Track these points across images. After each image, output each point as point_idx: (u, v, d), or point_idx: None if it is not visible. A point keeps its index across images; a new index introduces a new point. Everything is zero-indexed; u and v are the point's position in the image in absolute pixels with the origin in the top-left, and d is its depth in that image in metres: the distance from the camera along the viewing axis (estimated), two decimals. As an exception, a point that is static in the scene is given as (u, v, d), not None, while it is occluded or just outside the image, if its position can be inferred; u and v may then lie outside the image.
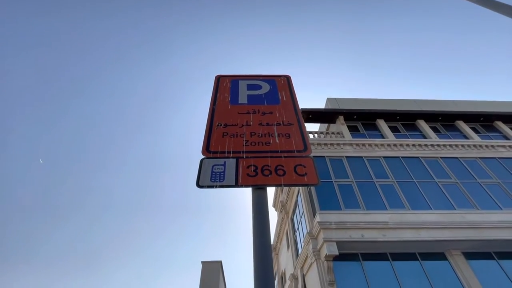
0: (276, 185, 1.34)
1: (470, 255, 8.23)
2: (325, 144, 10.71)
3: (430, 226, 8.07)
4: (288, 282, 12.03)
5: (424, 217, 8.35)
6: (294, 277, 11.12)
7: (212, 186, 1.31)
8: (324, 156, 10.33)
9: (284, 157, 1.47)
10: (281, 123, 1.73)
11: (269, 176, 1.36)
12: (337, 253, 7.46)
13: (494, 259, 8.26)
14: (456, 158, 10.59)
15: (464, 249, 8.22)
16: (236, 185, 1.31)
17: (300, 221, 10.90)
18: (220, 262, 4.85)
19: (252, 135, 1.61)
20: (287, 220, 13.77)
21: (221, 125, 1.70)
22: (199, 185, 1.31)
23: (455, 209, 8.76)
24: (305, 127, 1.82)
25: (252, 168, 1.40)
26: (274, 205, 18.39)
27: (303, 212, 10.35)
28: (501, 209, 8.80)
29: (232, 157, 1.45)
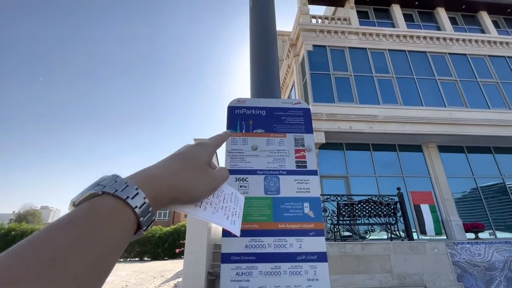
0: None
1: (443, 148, 8.95)
2: (328, 32, 9.53)
3: (415, 121, 8.33)
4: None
5: (412, 113, 8.49)
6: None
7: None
8: (325, 46, 9.39)
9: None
10: None
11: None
12: (324, 141, 7.88)
13: (463, 152, 9.07)
14: (465, 55, 9.88)
15: (440, 142, 8.84)
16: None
17: (292, 114, 11.04)
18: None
19: None
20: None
21: None
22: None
23: (445, 106, 8.86)
24: None
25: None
26: (266, 101, 18.36)
27: (295, 105, 10.34)
28: (489, 108, 8.96)
29: None
